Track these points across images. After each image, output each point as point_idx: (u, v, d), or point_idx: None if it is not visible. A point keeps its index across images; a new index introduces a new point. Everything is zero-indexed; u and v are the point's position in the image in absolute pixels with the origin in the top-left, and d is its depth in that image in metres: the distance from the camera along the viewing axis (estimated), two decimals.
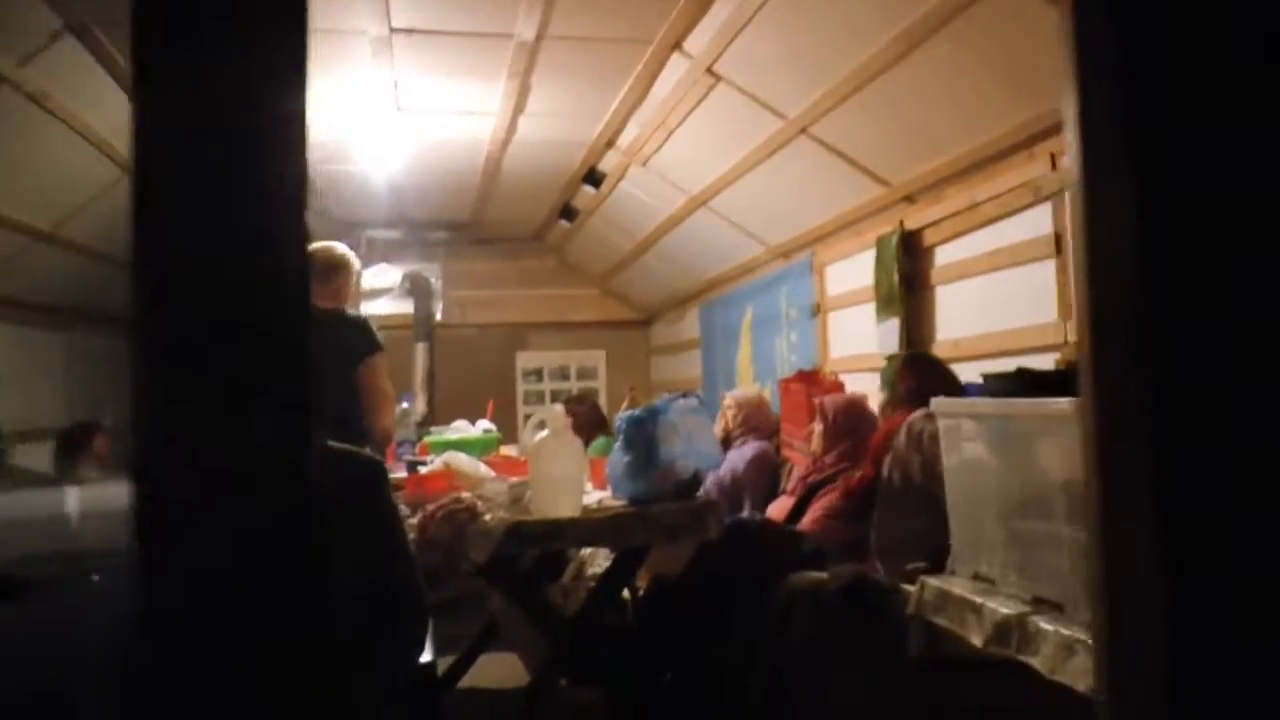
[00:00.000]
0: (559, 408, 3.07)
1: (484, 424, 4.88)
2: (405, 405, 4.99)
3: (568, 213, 7.94)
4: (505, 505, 3.11)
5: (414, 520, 3.04)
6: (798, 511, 3.94)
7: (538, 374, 9.40)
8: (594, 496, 3.39)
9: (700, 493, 3.38)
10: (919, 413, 3.08)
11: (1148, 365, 0.85)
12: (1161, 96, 0.86)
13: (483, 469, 3.66)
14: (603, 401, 8.82)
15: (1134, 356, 0.86)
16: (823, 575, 3.04)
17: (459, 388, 8.93)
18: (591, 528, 3.03)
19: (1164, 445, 0.83)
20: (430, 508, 3.05)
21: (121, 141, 5.46)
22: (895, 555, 3.04)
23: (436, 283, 9.09)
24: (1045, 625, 2.07)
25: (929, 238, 4.38)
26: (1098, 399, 0.89)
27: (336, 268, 4.38)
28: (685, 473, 3.18)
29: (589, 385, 9.33)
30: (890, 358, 3.55)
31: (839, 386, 5.10)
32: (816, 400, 4.25)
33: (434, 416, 8.54)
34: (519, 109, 5.34)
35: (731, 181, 5.50)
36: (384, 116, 5.39)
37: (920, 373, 3.46)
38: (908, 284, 4.49)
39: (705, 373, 7.61)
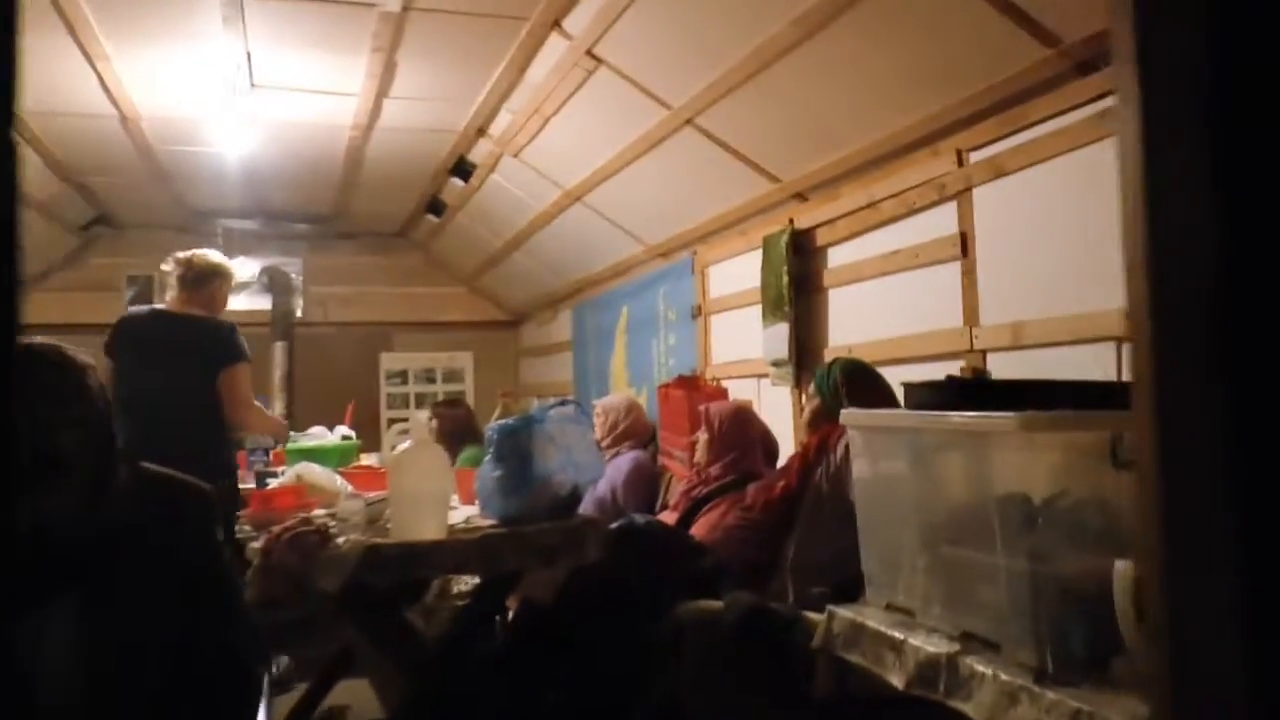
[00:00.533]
0: (423, 415, 2.71)
1: (342, 430, 4.50)
2: (260, 407, 4.57)
3: (435, 207, 7.56)
4: (361, 526, 2.76)
5: (257, 544, 2.67)
6: (682, 527, 3.66)
7: (402, 376, 8.97)
8: (461, 513, 3.05)
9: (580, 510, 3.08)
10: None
11: (1222, 370, 0.63)
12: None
13: (339, 483, 3.30)
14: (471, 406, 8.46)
15: (1207, 359, 0.64)
16: (715, 604, 2.77)
17: (319, 390, 8.45)
18: (457, 552, 2.69)
19: (1247, 474, 0.62)
20: (275, 530, 2.68)
21: None
22: (807, 576, 2.79)
23: (297, 278, 8.60)
24: (980, 667, 1.82)
25: (821, 237, 4.16)
26: (1161, 416, 0.67)
27: (211, 275, 4.36)
28: (563, 488, 2.87)
29: (456, 389, 8.92)
30: (830, 364, 3.29)
31: (722, 393, 4.85)
32: (701, 408, 3.99)
33: (293, 420, 8.06)
34: (383, 90, 4.96)
35: (610, 175, 5.21)
36: (237, 93, 4.95)
37: (863, 381, 3.21)
38: (797, 286, 4.26)
39: (577, 376, 7.31)
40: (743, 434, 3.82)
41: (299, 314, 8.59)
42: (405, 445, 2.78)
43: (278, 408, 8.05)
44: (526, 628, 3.19)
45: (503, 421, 2.90)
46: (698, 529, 3.58)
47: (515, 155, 5.69)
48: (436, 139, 5.89)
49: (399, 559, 2.66)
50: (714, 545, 3.32)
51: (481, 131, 5.71)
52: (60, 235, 7.65)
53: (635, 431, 5.28)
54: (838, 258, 4.09)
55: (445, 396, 8.25)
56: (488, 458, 2.90)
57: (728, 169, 4.40)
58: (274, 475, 3.63)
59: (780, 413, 4.39)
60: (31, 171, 5.96)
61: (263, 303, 8.46)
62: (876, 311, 3.84)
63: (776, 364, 4.41)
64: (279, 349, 8.19)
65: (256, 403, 4.39)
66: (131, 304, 8.18)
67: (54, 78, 4.73)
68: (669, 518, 3.82)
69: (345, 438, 4.42)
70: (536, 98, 4.82)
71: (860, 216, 3.85)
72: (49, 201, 6.41)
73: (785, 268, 4.28)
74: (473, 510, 3.05)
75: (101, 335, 6.97)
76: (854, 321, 4.01)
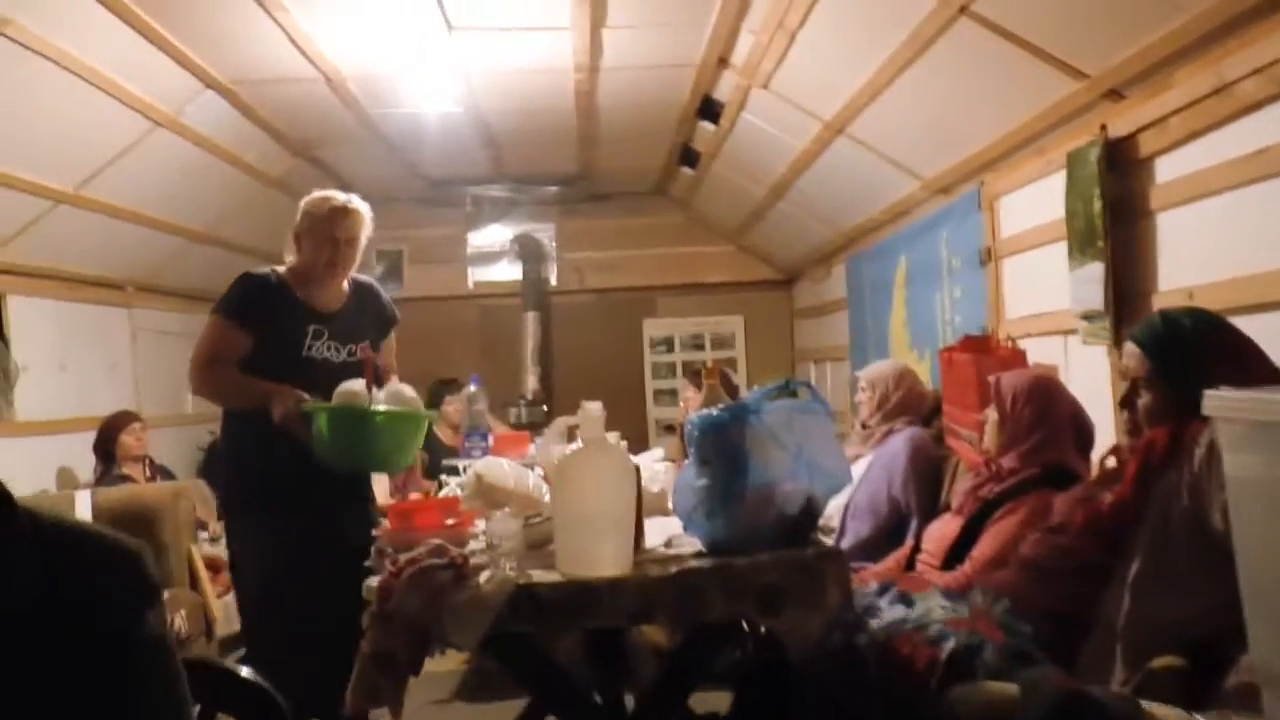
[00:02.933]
0: (596, 405, 1.99)
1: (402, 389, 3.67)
2: (473, 388, 3.95)
3: (688, 157, 6.86)
4: (516, 555, 2.08)
5: (374, 581, 2.04)
6: (966, 539, 2.81)
7: (668, 344, 8.35)
8: (661, 531, 2.31)
9: (820, 527, 2.29)
10: None
11: None
12: None
13: (533, 485, 2.61)
14: (741, 376, 7.75)
15: None
16: (1005, 687, 1.92)
17: (578, 362, 8.00)
18: (642, 594, 1.97)
19: None
20: (398, 562, 2.04)
21: (141, 86, 4.63)
22: (1149, 639, 1.92)
23: (550, 244, 8.14)
24: None
25: (1146, 145, 3.15)
26: None
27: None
28: (792, 503, 2.09)
29: (727, 355, 8.23)
30: (1163, 323, 2.33)
31: (1019, 357, 3.90)
32: (991, 378, 3.08)
33: (550, 397, 7.62)
34: (598, 19, 4.27)
35: (874, 96, 4.32)
36: (437, 39, 4.40)
37: (1224, 345, 2.25)
38: (1114, 213, 3.27)
39: (852, 339, 6.44)
40: (1046, 412, 2.91)
41: (553, 282, 8.13)
42: (574, 447, 2.08)
43: (530, 381, 7.62)
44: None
45: (706, 412, 2.14)
46: (986, 545, 2.72)
47: (765, 86, 4.89)
48: (674, 76, 5.17)
49: (559, 604, 1.97)
50: (1006, 583, 2.45)
51: (723, 62, 4.95)
52: None
53: (910, 404, 4.38)
54: (1170, 170, 3.08)
55: (712, 363, 7.57)
56: (687, 461, 2.16)
57: (1017, 67, 3.45)
58: (454, 471, 3.01)
59: (1093, 383, 3.40)
60: (261, 148, 5.68)
61: (514, 272, 8.05)
62: (1230, 239, 2.83)
63: (1088, 317, 3.43)
64: (531, 319, 7.75)
65: (230, 374, 3.17)
66: (381, 279, 7.95)
67: (242, 39, 4.34)
68: (950, 526, 2.96)
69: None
70: (778, 8, 4.00)
71: (1204, 108, 2.83)
72: (286, 177, 6.14)
73: (1097, 190, 3.29)
74: (678, 529, 2.29)
75: None
76: (1195, 255, 3.00)
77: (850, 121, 4.74)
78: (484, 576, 1.99)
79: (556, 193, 7.93)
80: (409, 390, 3.08)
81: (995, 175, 4.26)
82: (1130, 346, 2.35)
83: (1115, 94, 3.29)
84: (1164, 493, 2.16)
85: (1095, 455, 2.95)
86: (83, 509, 4.54)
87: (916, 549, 3.20)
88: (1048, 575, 2.43)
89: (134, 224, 5.44)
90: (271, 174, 6.02)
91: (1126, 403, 2.35)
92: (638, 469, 2.28)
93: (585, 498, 2.01)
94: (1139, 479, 2.24)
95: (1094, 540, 2.36)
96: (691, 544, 2.18)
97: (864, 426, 4.23)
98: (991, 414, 2.95)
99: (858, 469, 4.21)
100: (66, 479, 5.45)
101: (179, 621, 4.30)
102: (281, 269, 3.29)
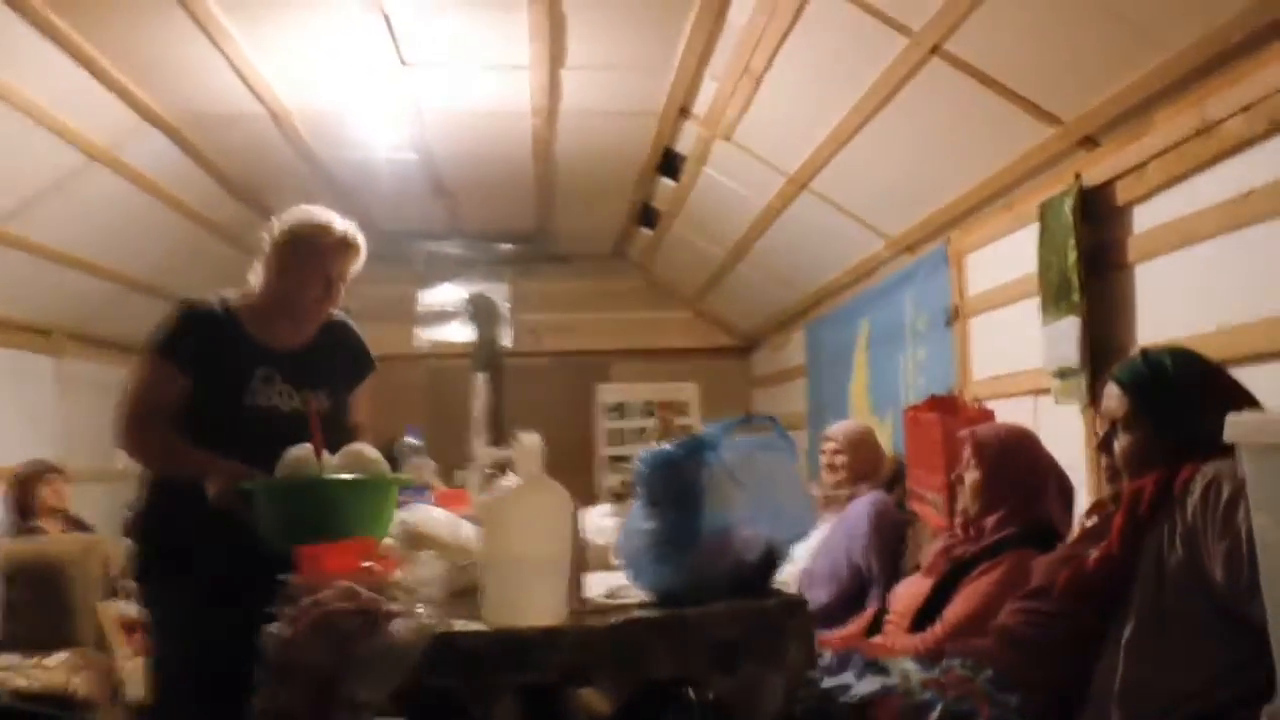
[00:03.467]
0: (532, 437, 1.77)
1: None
2: (410, 440, 3.72)
3: (647, 217, 6.72)
4: (437, 599, 1.84)
5: (276, 628, 1.80)
6: (937, 599, 2.59)
7: (620, 410, 8.12)
8: (603, 583, 2.08)
9: (780, 580, 2.07)
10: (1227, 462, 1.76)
11: None
12: None
13: (466, 534, 2.37)
14: None
15: None
16: None
17: (529, 425, 7.69)
18: (580, 646, 1.73)
19: None
20: (300, 607, 1.79)
21: (82, 121, 4.42)
22: (1150, 710, 1.71)
23: (504, 305, 7.92)
24: None
25: (1123, 193, 3.01)
26: None
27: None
28: (751, 549, 1.87)
29: (682, 422, 8.00)
30: (1152, 360, 2.14)
31: (986, 417, 3.72)
32: (964, 433, 2.89)
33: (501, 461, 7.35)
34: (557, 56, 4.12)
35: (839, 147, 4.19)
36: (388, 74, 4.24)
37: (1216, 386, 2.07)
38: (1089, 265, 3.11)
39: (811, 406, 6.25)
40: (1031, 468, 2.72)
41: (507, 343, 7.91)
42: (507, 483, 1.85)
43: (478, 445, 7.35)
44: None
45: (657, 447, 1.93)
46: (960, 606, 2.51)
47: (728, 138, 4.76)
48: (634, 126, 5.03)
49: (483, 656, 1.73)
50: (985, 653, 2.23)
51: (685, 112, 4.82)
52: (250, 263, 7.25)
53: (875, 466, 4.22)
54: (1148, 218, 2.93)
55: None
56: (636, 502, 1.94)
57: (989, 113, 3.32)
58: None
59: (1067, 444, 3.20)
60: (202, 190, 5.46)
61: (466, 333, 7.84)
62: (1214, 288, 2.67)
63: (1063, 374, 3.26)
64: (480, 380, 7.51)
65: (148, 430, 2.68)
66: None
67: (186, 72, 4.15)
68: (920, 585, 2.75)
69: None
70: (742, 52, 3.88)
71: (1185, 151, 2.70)
72: (229, 224, 5.90)
73: (1072, 241, 3.15)
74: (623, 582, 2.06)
75: None
76: (1177, 307, 2.84)
77: (814, 175, 4.60)
78: (399, 624, 1.76)
79: (513, 251, 7.74)
80: (370, 451, 2.54)
81: (962, 231, 4.12)
82: (1110, 387, 2.17)
83: (1090, 141, 3.16)
84: (1155, 546, 1.97)
85: (1076, 515, 2.77)
86: None
87: (880, 613, 2.99)
88: (1030, 646, 2.22)
89: (63, 265, 5.18)
90: (215, 219, 5.79)
91: (1104, 446, 2.16)
92: (576, 509, 2.06)
93: (517, 538, 1.78)
94: (1126, 532, 2.04)
95: (1080, 603, 2.15)
96: (637, 595, 1.95)
97: (834, 487, 4.04)
98: (971, 471, 2.74)
99: (815, 535, 4.02)
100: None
101: (76, 683, 3.98)
102: (233, 298, 2.76)
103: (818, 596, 3.77)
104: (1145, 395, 2.08)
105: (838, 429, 4.23)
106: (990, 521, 2.66)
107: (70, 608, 4.25)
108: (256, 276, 2.76)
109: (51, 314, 5.69)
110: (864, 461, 4.14)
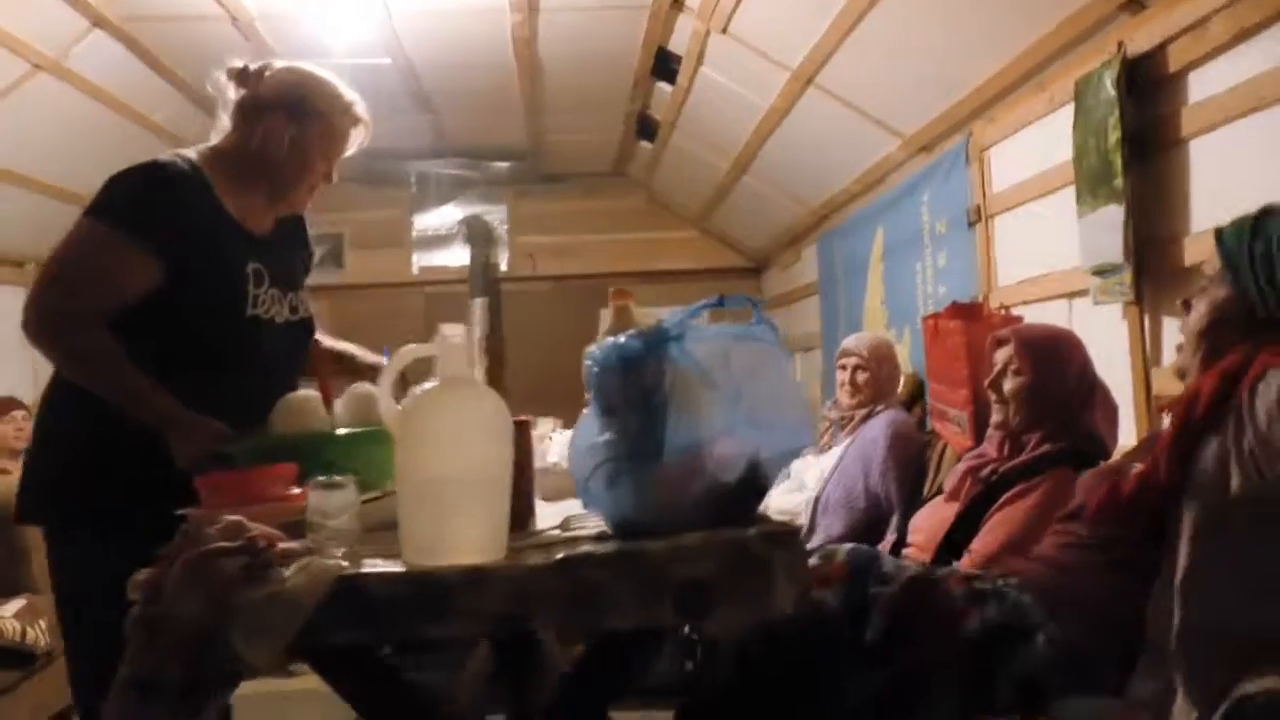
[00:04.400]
0: (456, 328, 1.40)
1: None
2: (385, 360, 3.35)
3: (646, 128, 6.31)
4: (348, 538, 1.49)
5: (144, 575, 1.44)
6: (964, 527, 2.23)
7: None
8: (559, 511, 1.72)
9: (771, 507, 1.70)
10: None
11: None
12: None
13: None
14: None
15: None
16: None
17: (530, 353, 7.37)
18: (515, 591, 1.37)
19: None
20: (174, 547, 1.44)
21: (26, 29, 4.04)
22: (1219, 653, 1.35)
23: (501, 227, 7.54)
24: None
25: (1176, 58, 2.60)
26: None
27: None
28: (730, 468, 1.51)
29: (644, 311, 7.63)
30: (1259, 217, 1.74)
31: (1015, 324, 3.34)
32: (1006, 332, 2.50)
33: (498, 388, 6.98)
34: None
35: (846, 33, 3.77)
36: None
37: None
38: (1134, 145, 2.72)
39: (824, 324, 5.86)
40: (1081, 375, 2.34)
41: (504, 267, 7.54)
42: (427, 386, 1.49)
43: (476, 372, 7.00)
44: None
45: (610, 341, 1.56)
46: (990, 536, 2.15)
47: (724, 30, 4.34)
48: (623, 22, 4.61)
49: (395, 605, 1.37)
50: (1025, 575, 1.87)
51: (677, 3, 4.39)
52: None
53: (894, 383, 3.86)
54: (1208, 84, 2.53)
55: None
56: (586, 409, 1.58)
57: None
58: None
59: (1106, 351, 2.82)
60: (160, 99, 5.06)
61: (462, 258, 7.47)
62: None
63: (1102, 271, 2.87)
64: (478, 306, 7.12)
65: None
66: (318, 265, 7.34)
67: None
68: (944, 512, 2.39)
69: None
70: None
71: (1253, 2, 2.29)
72: (196, 137, 5.49)
73: (1114, 118, 2.74)
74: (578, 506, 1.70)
75: None
76: (1239, 187, 2.43)
77: (820, 69, 4.18)
78: (294, 568, 1.41)
79: (508, 170, 7.33)
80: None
81: (985, 123, 3.71)
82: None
83: (1135, 3, 2.74)
84: (1214, 462, 1.60)
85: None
86: None
87: (899, 544, 2.64)
88: (1069, 575, 1.86)
89: (14, 185, 4.81)
90: (179, 133, 5.39)
91: (1206, 331, 1.75)
92: (527, 425, 1.70)
93: (436, 457, 1.42)
94: (1176, 445, 1.67)
95: (1115, 531, 1.80)
96: (595, 524, 1.59)
97: (856, 407, 3.69)
98: (1013, 379, 2.36)
99: (829, 459, 3.69)
100: None
101: (35, 634, 3.67)
102: (193, 156, 2.11)
103: (830, 526, 3.46)
104: (1238, 248, 1.70)
105: (858, 342, 3.87)
106: (1034, 436, 2.28)
107: (24, 553, 3.93)
108: (222, 132, 2.18)
109: (20, 242, 5.33)
110: (886, 378, 3.79)
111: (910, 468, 3.43)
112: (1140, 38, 2.71)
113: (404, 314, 7.44)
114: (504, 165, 7.28)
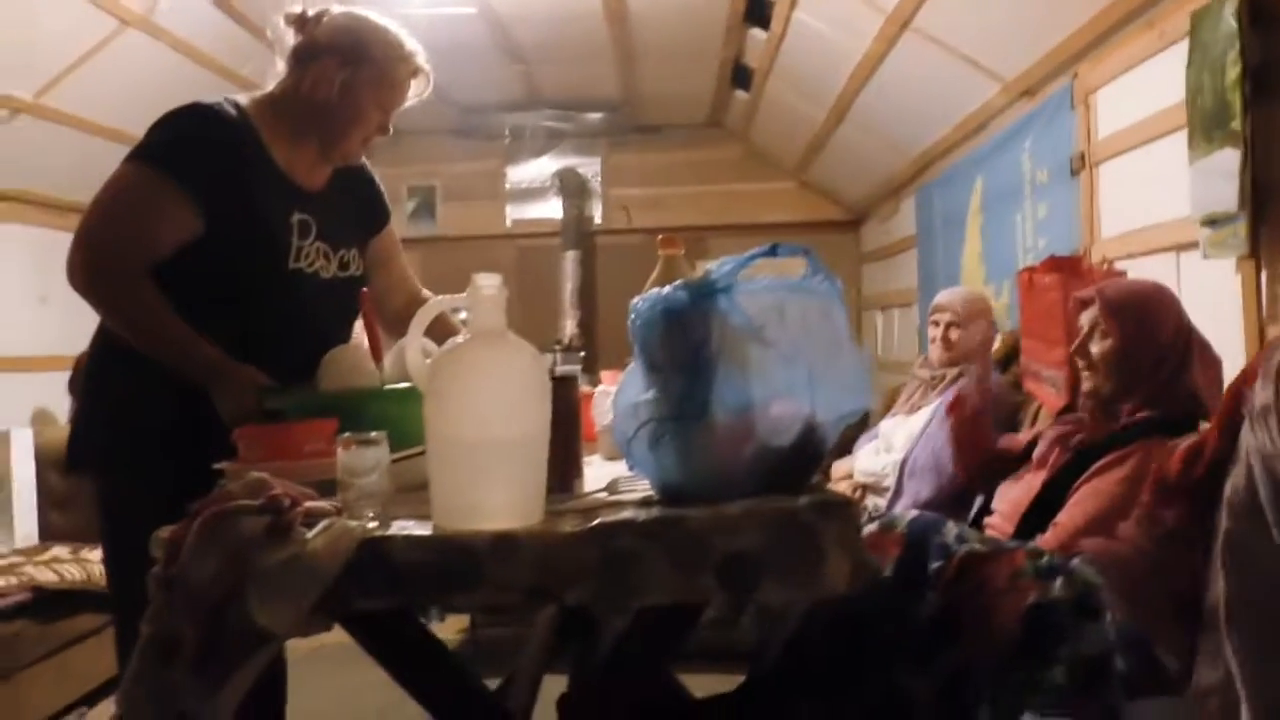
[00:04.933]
0: (493, 279, 1.29)
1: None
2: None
3: (740, 77, 6.13)
4: (378, 499, 1.42)
5: (166, 532, 1.39)
6: (1050, 500, 2.08)
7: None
8: (605, 473, 1.63)
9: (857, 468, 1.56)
10: None
11: None
12: None
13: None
14: None
15: None
16: None
17: (622, 307, 7.25)
18: (546, 560, 1.29)
19: None
20: (200, 503, 1.38)
21: None
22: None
23: (594, 180, 7.44)
24: None
25: None
26: None
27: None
28: (783, 431, 1.40)
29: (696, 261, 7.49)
30: None
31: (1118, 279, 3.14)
32: (1088, 292, 2.32)
33: (591, 342, 6.94)
34: None
35: None
36: None
37: None
38: (1256, 83, 2.50)
39: (921, 279, 5.66)
40: (1176, 333, 2.15)
41: (597, 220, 7.45)
42: (458, 341, 1.40)
43: (568, 326, 6.95)
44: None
45: (654, 292, 1.45)
46: (1077, 510, 1.99)
47: None
48: None
49: (420, 572, 1.30)
50: (1111, 556, 1.73)
51: None
52: None
53: (989, 341, 3.68)
54: None
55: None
56: (630, 365, 1.48)
57: None
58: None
59: (1218, 308, 2.63)
60: (245, 52, 5.04)
61: (555, 210, 7.39)
62: None
63: (1214, 221, 2.67)
64: (570, 259, 7.08)
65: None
66: (411, 217, 7.36)
67: None
68: (1031, 481, 2.24)
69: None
70: None
71: None
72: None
73: (1234, 53, 2.53)
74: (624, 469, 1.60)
75: None
76: None
77: (917, 10, 3.98)
78: (319, 528, 1.34)
79: (601, 121, 7.21)
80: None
81: (1091, 63, 3.48)
82: None
83: None
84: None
85: None
86: (21, 450, 3.98)
87: (984, 511, 2.49)
88: (1151, 553, 1.72)
89: (108, 140, 4.85)
90: (261, 84, 5.40)
91: None
92: (573, 380, 1.60)
93: (468, 415, 1.34)
94: (1228, 416, 1.52)
95: (1169, 507, 1.66)
96: (644, 488, 1.50)
97: (948, 364, 3.53)
98: (1099, 342, 2.19)
99: (919, 420, 3.53)
100: (44, 420, 4.93)
101: None
102: (244, 101, 2.08)
103: (917, 490, 3.32)
104: None
105: (951, 297, 3.69)
106: (1128, 404, 2.11)
107: None
108: (277, 79, 2.11)
109: (86, 191, 5.39)
110: (980, 335, 3.61)
111: (1002, 431, 3.27)
112: None
113: (497, 267, 7.39)
114: (598, 117, 7.17)
